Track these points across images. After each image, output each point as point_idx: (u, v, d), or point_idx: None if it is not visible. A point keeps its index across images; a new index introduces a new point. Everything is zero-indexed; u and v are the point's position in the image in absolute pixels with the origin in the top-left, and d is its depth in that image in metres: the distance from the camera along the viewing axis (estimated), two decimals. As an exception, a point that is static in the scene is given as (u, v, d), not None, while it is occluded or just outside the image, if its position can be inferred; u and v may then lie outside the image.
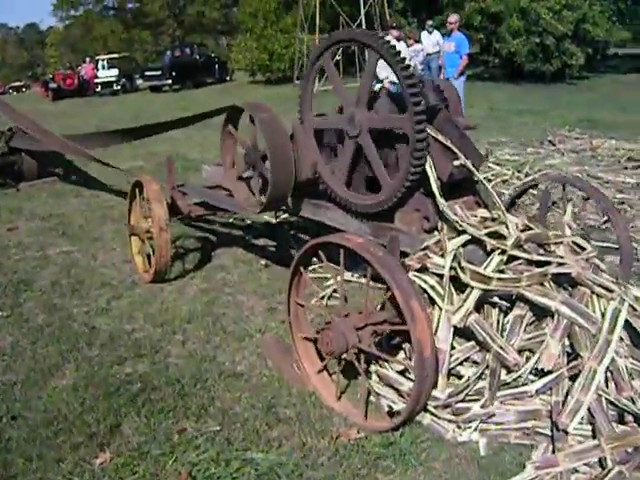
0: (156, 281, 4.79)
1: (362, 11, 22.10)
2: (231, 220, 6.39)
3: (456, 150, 3.47)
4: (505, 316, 3.22)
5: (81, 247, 5.86)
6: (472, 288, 3.08)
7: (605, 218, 3.97)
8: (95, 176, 8.98)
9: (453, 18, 11.28)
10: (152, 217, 4.58)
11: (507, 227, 3.33)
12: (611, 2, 22.17)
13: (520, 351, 3.08)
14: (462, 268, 3.09)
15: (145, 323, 4.19)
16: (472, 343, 3.17)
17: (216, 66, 31.37)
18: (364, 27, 22.19)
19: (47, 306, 4.53)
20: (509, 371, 3.01)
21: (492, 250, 3.26)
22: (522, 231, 3.34)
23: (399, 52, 3.25)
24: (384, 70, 10.56)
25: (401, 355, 3.43)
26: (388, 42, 3.25)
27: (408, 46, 11.76)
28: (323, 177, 3.86)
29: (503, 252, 3.18)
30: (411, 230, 3.51)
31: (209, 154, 10.67)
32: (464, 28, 22.15)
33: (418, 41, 12.44)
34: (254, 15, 25.61)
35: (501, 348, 2.98)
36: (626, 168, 8.04)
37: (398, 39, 11.07)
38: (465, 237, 3.25)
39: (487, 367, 3.01)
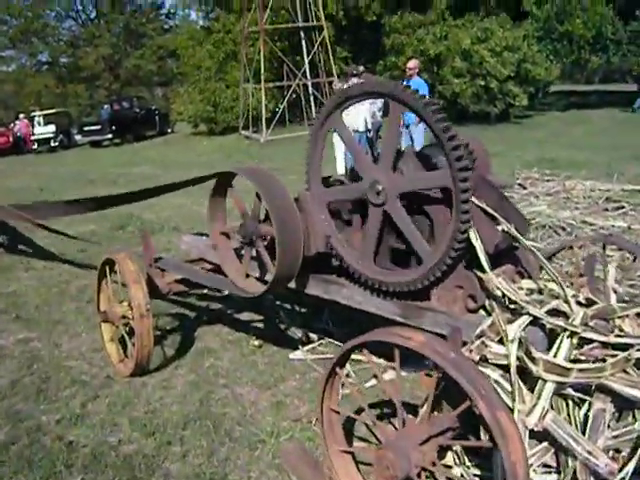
0: (135, 374, 4.14)
1: (306, 59, 21.99)
2: (205, 291, 5.77)
3: (497, 215, 3.03)
4: (579, 409, 2.74)
5: (41, 333, 5.13)
6: (544, 381, 2.59)
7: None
8: (43, 244, 8.24)
9: (413, 63, 11.10)
10: (131, 302, 3.96)
11: (567, 303, 2.88)
12: (547, 42, 22.72)
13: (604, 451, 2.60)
14: (533, 358, 2.60)
15: (132, 432, 3.52)
16: (545, 445, 2.67)
17: (157, 118, 30.75)
18: (308, 76, 22.09)
19: (9, 414, 3.82)
20: (598, 479, 2.52)
21: (552, 331, 2.80)
22: (585, 306, 2.89)
23: (435, 103, 2.81)
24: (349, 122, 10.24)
25: (450, 458, 2.91)
26: (423, 97, 2.81)
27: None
28: (339, 252, 3.34)
29: (572, 334, 2.71)
30: (453, 311, 3.01)
31: (164, 212, 10.12)
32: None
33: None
34: (197, 67, 25.22)
35: (589, 452, 2.48)
36: (607, 210, 7.83)
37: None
38: (526, 318, 2.77)
39: (574, 477, 2.51)
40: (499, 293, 2.94)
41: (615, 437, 2.61)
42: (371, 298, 3.33)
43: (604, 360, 2.68)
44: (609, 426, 2.64)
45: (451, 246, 2.83)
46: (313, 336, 4.69)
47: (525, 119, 23.21)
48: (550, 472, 2.64)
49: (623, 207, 7.85)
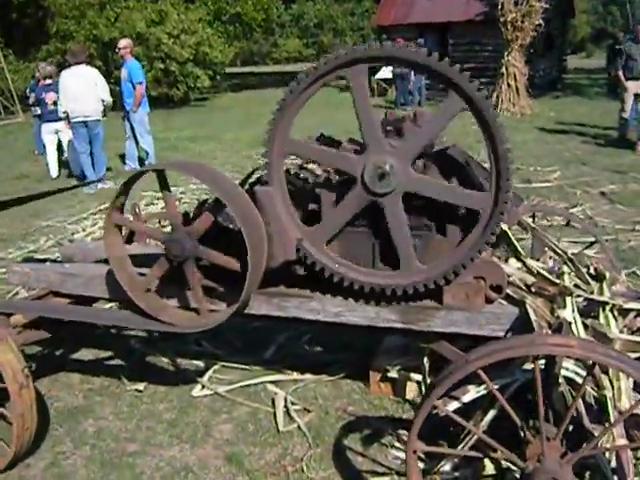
0: (7, 469, 2.97)
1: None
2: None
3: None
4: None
5: None
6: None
7: (592, 239, 3.73)
8: None
9: (124, 42, 10.05)
10: (2, 372, 2.80)
11: (581, 278, 2.80)
12: (218, 24, 22.99)
13: None
14: (608, 339, 2.44)
15: None
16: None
17: None
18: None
19: None
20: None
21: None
22: (597, 279, 2.83)
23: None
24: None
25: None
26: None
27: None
28: (317, 258, 2.73)
29: (612, 307, 2.62)
30: (475, 306, 2.68)
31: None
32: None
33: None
34: None
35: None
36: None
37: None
38: (571, 301, 2.58)
39: None
40: (517, 278, 2.73)
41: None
42: (355, 306, 2.84)
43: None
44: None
45: (493, 217, 2.42)
46: (197, 363, 3.95)
47: (205, 102, 23.33)
48: None
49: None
